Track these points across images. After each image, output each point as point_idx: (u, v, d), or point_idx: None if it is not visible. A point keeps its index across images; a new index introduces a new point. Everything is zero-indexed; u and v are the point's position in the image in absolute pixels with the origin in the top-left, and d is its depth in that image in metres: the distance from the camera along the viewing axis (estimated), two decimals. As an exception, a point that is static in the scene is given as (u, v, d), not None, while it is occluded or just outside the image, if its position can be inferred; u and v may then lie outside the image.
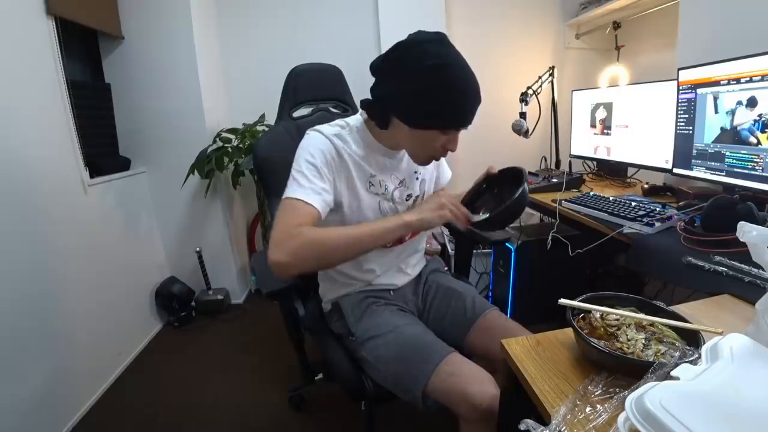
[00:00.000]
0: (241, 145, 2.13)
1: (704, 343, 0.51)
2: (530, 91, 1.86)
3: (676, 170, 1.41)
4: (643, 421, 0.38)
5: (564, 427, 0.47)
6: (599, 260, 2.04)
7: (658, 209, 1.21)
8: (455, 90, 0.81)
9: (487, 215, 0.90)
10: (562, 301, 0.64)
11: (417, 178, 1.03)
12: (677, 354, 0.53)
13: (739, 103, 1.14)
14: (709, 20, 1.46)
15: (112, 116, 2.07)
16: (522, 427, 0.47)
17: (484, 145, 2.24)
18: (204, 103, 2.10)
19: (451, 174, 1.19)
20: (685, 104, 1.33)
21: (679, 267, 0.91)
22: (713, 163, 1.25)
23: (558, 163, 2.08)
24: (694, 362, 0.48)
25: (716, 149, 1.24)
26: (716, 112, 1.22)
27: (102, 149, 1.99)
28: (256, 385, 1.68)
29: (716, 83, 1.21)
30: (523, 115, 1.82)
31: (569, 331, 0.64)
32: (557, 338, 0.67)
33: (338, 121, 0.95)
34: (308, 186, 0.82)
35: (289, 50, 2.29)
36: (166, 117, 2.09)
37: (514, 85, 2.04)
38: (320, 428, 1.46)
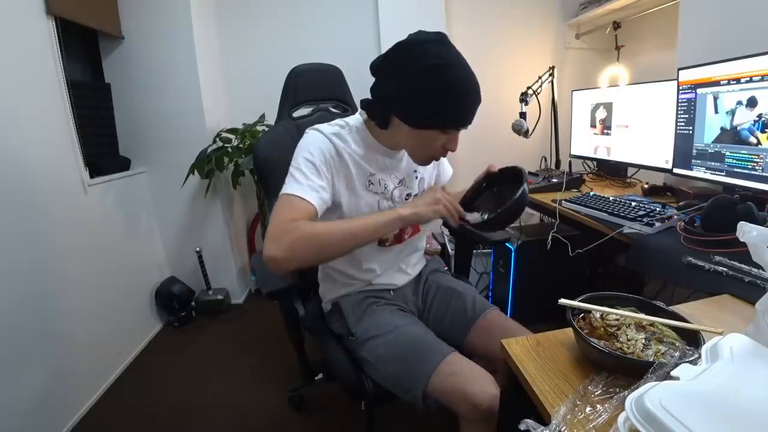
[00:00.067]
0: (241, 145, 2.13)
1: (704, 343, 0.51)
2: (530, 91, 1.86)
3: (676, 170, 1.41)
4: (643, 421, 0.38)
5: (564, 427, 0.47)
6: (599, 260, 2.04)
7: (658, 209, 1.21)
8: (455, 90, 0.81)
9: (486, 216, 0.91)
10: (562, 301, 0.64)
11: (416, 177, 1.03)
12: (677, 354, 0.53)
13: (739, 103, 1.14)
14: (709, 20, 1.46)
15: (112, 116, 2.07)
16: (522, 427, 0.47)
17: (484, 145, 2.24)
18: (204, 103, 2.10)
19: (452, 172, 1.19)
20: (685, 104, 1.33)
21: (679, 267, 0.91)
22: (713, 163, 1.25)
23: (558, 163, 2.08)
24: (694, 362, 0.48)
25: (716, 149, 1.24)
26: (716, 112, 1.22)
27: (102, 149, 1.99)
28: (256, 385, 1.68)
29: (716, 83, 1.21)
30: (523, 115, 1.82)
31: (569, 331, 0.64)
32: (557, 338, 0.67)
33: (338, 121, 0.95)
34: (306, 183, 0.82)
35: (289, 50, 2.29)
36: (166, 117, 2.09)
37: (514, 85, 2.04)
38: (320, 428, 1.46)
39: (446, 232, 2.20)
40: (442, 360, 0.84)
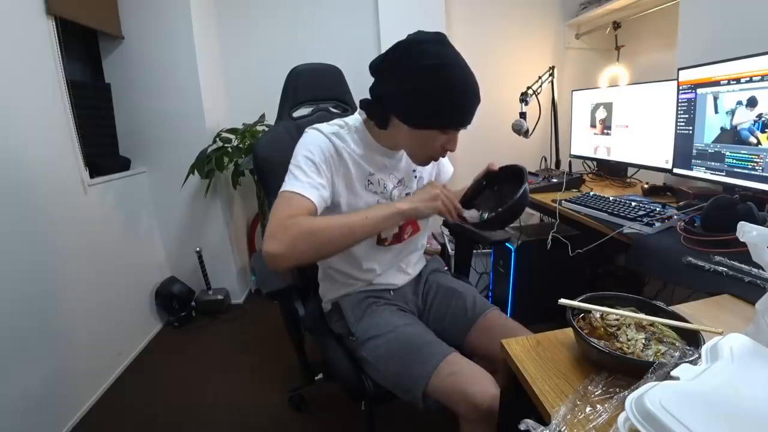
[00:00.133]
0: (241, 145, 2.13)
1: (704, 343, 0.51)
2: (530, 91, 1.86)
3: (676, 170, 1.41)
4: (643, 421, 0.38)
5: (564, 427, 0.47)
6: (599, 260, 2.04)
7: (658, 209, 1.21)
8: (454, 90, 0.81)
9: (486, 215, 0.90)
10: (562, 301, 0.64)
11: (415, 177, 1.03)
12: (677, 354, 0.53)
13: (739, 103, 1.14)
14: (709, 20, 1.46)
15: (112, 116, 2.07)
16: (522, 427, 0.47)
17: (484, 145, 2.24)
18: (204, 103, 2.10)
19: (452, 170, 1.19)
20: (685, 104, 1.33)
21: (679, 267, 0.91)
22: (713, 163, 1.25)
23: (558, 163, 2.08)
24: (694, 362, 0.48)
25: (716, 149, 1.24)
26: (716, 112, 1.22)
27: (102, 149, 1.99)
28: (256, 385, 1.68)
29: (716, 83, 1.21)
30: (523, 115, 1.82)
31: (569, 331, 0.64)
32: (557, 338, 0.67)
33: (337, 121, 0.95)
34: (305, 180, 0.82)
35: (289, 50, 2.29)
36: (166, 117, 2.09)
37: (514, 85, 2.04)
38: (320, 428, 1.46)
39: (446, 232, 2.21)
40: (442, 360, 0.84)
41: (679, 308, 0.69)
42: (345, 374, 0.96)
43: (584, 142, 2.00)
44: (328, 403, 1.55)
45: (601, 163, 1.98)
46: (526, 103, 1.84)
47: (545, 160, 2.14)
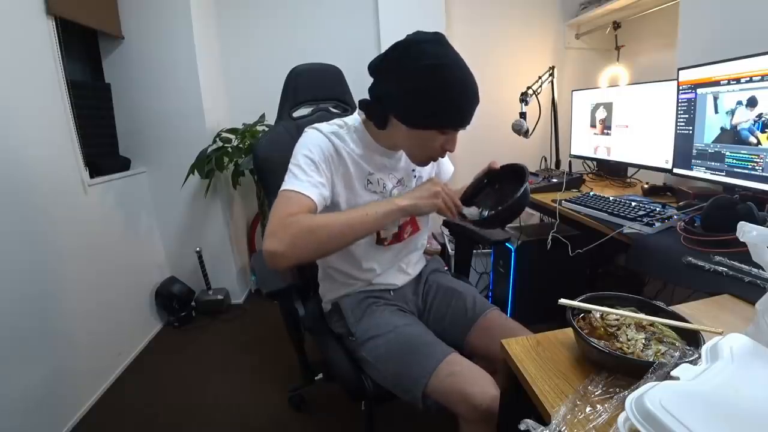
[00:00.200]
0: (241, 145, 2.13)
1: (704, 343, 0.51)
2: (530, 91, 1.86)
3: (676, 170, 1.41)
4: (643, 421, 0.38)
5: (564, 427, 0.47)
6: (599, 260, 2.04)
7: (658, 209, 1.21)
8: (453, 90, 0.80)
9: (486, 213, 0.90)
10: (562, 301, 0.64)
11: (415, 177, 1.03)
12: (677, 354, 0.53)
13: (739, 103, 1.14)
14: (709, 20, 1.46)
15: (112, 116, 2.07)
16: (522, 427, 0.47)
17: (484, 145, 2.24)
18: (204, 103, 2.10)
19: (453, 169, 1.19)
20: (685, 104, 1.33)
21: (679, 267, 0.91)
22: (713, 163, 1.25)
23: (558, 163, 2.08)
24: (694, 362, 0.48)
25: (716, 149, 1.24)
26: (716, 112, 1.22)
27: (102, 149, 1.99)
28: (256, 385, 1.68)
29: (716, 83, 1.21)
30: (523, 115, 1.82)
31: (569, 331, 0.64)
32: (557, 338, 0.67)
33: (336, 121, 0.95)
34: (305, 179, 0.82)
35: (289, 50, 2.29)
36: (166, 117, 2.09)
37: (514, 85, 2.04)
38: (320, 428, 1.46)
39: (446, 232, 2.21)
40: (441, 360, 0.84)
41: (679, 308, 0.69)
42: (345, 374, 0.96)
43: (584, 142, 2.00)
44: (328, 403, 1.55)
45: (601, 163, 1.98)
46: (526, 103, 1.84)
47: (545, 160, 2.14)
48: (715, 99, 1.22)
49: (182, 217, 2.24)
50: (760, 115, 1.09)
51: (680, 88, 1.35)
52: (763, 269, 0.57)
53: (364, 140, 0.93)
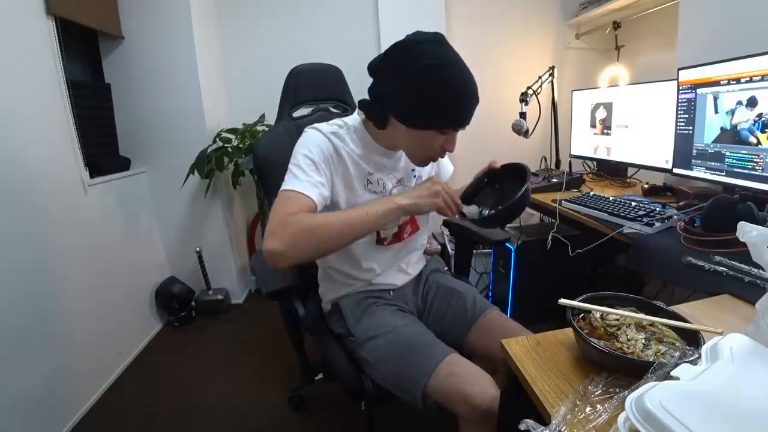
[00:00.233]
0: (241, 145, 2.13)
1: (704, 343, 0.51)
2: (530, 91, 1.86)
3: (676, 170, 1.41)
4: (643, 421, 0.38)
5: (564, 427, 0.47)
6: (599, 260, 2.04)
7: (658, 209, 1.21)
8: (453, 90, 0.80)
9: (487, 212, 0.90)
10: (562, 301, 0.64)
11: (414, 177, 1.03)
12: (677, 354, 0.53)
13: (739, 103, 1.14)
14: (709, 20, 1.46)
15: (112, 116, 2.07)
16: (522, 427, 0.47)
17: (484, 145, 2.24)
18: (204, 103, 2.10)
19: (453, 169, 1.19)
20: (685, 104, 1.33)
21: (679, 267, 0.91)
22: (713, 163, 1.25)
23: (558, 163, 2.08)
24: (694, 362, 0.48)
25: (716, 149, 1.24)
26: (716, 112, 1.22)
27: (102, 149, 1.99)
28: (256, 385, 1.68)
29: (716, 83, 1.21)
30: (523, 115, 1.82)
31: (569, 331, 0.64)
32: (557, 338, 0.67)
33: (336, 121, 0.95)
34: (305, 179, 0.82)
35: (289, 50, 2.29)
36: (166, 117, 2.09)
37: (514, 85, 2.04)
38: (320, 428, 1.46)
39: (446, 232, 2.20)
40: (441, 360, 0.84)
41: (679, 308, 0.68)
42: (345, 374, 0.96)
43: (584, 142, 2.00)
44: (328, 403, 1.55)
45: (601, 163, 1.98)
46: (526, 103, 1.84)
47: (545, 160, 2.14)
48: (715, 99, 1.22)
49: (182, 217, 2.24)
50: (760, 115, 1.09)
51: (680, 88, 1.35)
52: (763, 269, 0.57)
53: (364, 140, 0.93)
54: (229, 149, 2.10)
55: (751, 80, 1.11)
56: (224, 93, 2.41)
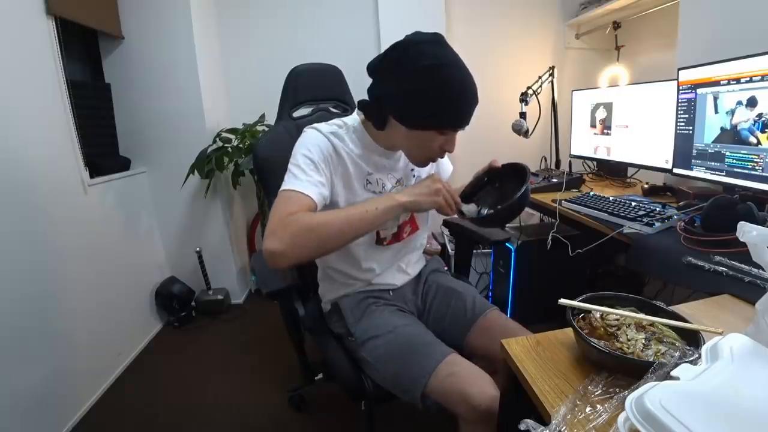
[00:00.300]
0: (241, 145, 2.13)
1: (704, 343, 0.51)
2: (530, 91, 1.86)
3: (676, 170, 1.41)
4: (643, 421, 0.38)
5: (564, 427, 0.47)
6: (599, 260, 2.04)
7: (658, 209, 1.21)
8: (452, 90, 0.80)
9: (485, 211, 0.90)
10: (562, 301, 0.64)
11: (414, 176, 1.03)
12: (677, 354, 0.53)
13: (739, 103, 1.14)
14: (709, 20, 1.46)
15: (112, 116, 2.07)
16: (522, 427, 0.47)
17: (484, 145, 2.24)
18: (204, 103, 2.10)
19: (452, 168, 1.19)
20: (685, 104, 1.33)
21: (679, 267, 0.91)
22: (713, 163, 1.25)
23: (558, 163, 2.08)
24: (694, 362, 0.48)
25: (716, 149, 1.24)
26: (716, 112, 1.22)
27: (102, 149, 1.99)
28: (256, 385, 1.68)
29: (716, 83, 1.21)
30: (523, 115, 1.82)
31: (569, 331, 0.64)
32: (557, 338, 0.67)
33: (335, 121, 0.95)
34: (305, 178, 0.82)
35: (289, 50, 2.29)
36: (166, 117, 2.09)
37: (514, 85, 2.04)
38: (320, 428, 1.46)
39: (446, 232, 2.20)
40: (441, 361, 0.84)
41: (679, 308, 0.68)
42: (345, 374, 0.96)
43: (584, 142, 2.00)
44: (328, 403, 1.55)
45: (601, 163, 1.98)
46: (526, 103, 1.84)
47: (545, 160, 2.14)
48: (715, 99, 1.22)
49: (182, 217, 2.24)
50: (760, 115, 1.09)
51: (680, 88, 1.35)
52: (763, 269, 0.57)
53: (363, 140, 0.93)
54: (229, 149, 2.10)
55: (751, 80, 1.11)
56: (224, 93, 2.41)
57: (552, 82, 1.95)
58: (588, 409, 0.50)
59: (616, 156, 1.81)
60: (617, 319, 0.61)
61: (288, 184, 0.82)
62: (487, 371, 0.83)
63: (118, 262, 1.86)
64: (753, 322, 0.56)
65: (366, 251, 1.00)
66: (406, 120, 0.84)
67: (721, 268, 0.84)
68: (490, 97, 2.20)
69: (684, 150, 1.35)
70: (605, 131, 1.86)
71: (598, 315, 0.62)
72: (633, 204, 1.26)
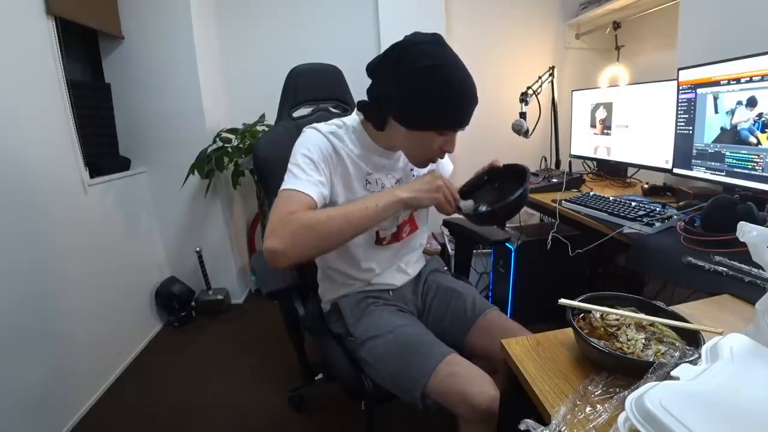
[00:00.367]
0: (241, 145, 2.13)
1: (704, 343, 0.51)
2: (530, 91, 1.86)
3: (676, 170, 1.41)
4: (643, 421, 0.38)
5: (564, 427, 0.47)
6: (599, 260, 2.04)
7: (658, 209, 1.21)
8: (451, 90, 0.80)
9: (483, 208, 0.90)
10: (562, 301, 0.63)
11: (413, 176, 1.02)
12: (677, 354, 0.53)
13: (739, 103, 1.14)
14: (709, 20, 1.46)
15: (112, 116, 2.07)
16: (522, 427, 0.47)
17: (484, 145, 2.24)
18: (204, 103, 2.10)
19: (452, 168, 1.19)
20: (685, 104, 1.33)
21: (679, 267, 0.91)
22: (713, 163, 1.25)
23: (558, 163, 2.08)
24: (694, 362, 0.48)
25: (716, 149, 1.24)
26: (716, 112, 1.22)
27: (102, 149, 1.99)
28: (256, 385, 1.68)
29: (716, 83, 1.21)
30: (523, 115, 1.82)
31: (569, 331, 0.64)
32: (557, 338, 0.67)
33: (335, 121, 0.95)
34: (304, 178, 0.82)
35: (289, 50, 2.29)
36: (166, 117, 2.09)
37: (514, 85, 2.04)
38: (320, 428, 1.46)
39: (446, 232, 2.20)
40: (441, 361, 0.84)
41: (679, 308, 0.68)
42: (345, 374, 0.96)
43: (584, 142, 2.00)
44: (328, 403, 1.55)
45: (601, 163, 1.98)
46: (526, 103, 1.84)
47: (545, 160, 2.14)
48: (715, 99, 1.22)
49: (182, 217, 2.24)
50: (760, 115, 1.09)
51: (680, 88, 1.35)
52: (763, 269, 0.57)
53: (363, 141, 0.93)
54: (229, 149, 2.10)
55: (751, 80, 1.11)
56: (224, 93, 2.41)
57: (552, 82, 1.95)
58: (588, 409, 0.50)
59: (616, 156, 1.81)
60: (617, 319, 0.61)
61: (288, 183, 0.82)
62: (487, 371, 0.83)
63: (118, 262, 1.86)
64: (753, 322, 0.56)
65: (365, 251, 1.00)
66: (405, 120, 0.84)
67: (721, 268, 0.84)
68: (490, 97, 2.21)
69: (684, 150, 1.35)
70: (605, 131, 1.86)
71: (598, 315, 0.62)
72: (633, 204, 1.26)
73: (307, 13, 2.35)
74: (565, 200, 1.45)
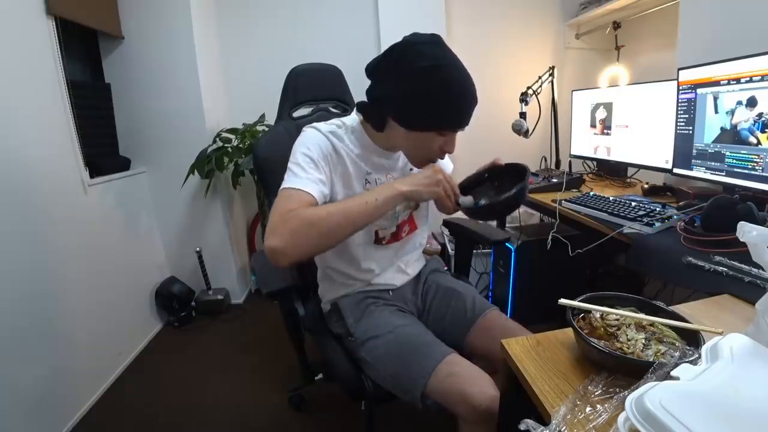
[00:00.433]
0: (241, 145, 2.13)
1: (704, 343, 0.51)
2: (530, 91, 1.86)
3: (676, 170, 1.41)
4: (643, 421, 0.38)
5: (564, 427, 0.47)
6: (599, 260, 2.04)
7: (658, 209, 1.21)
8: (451, 91, 0.80)
9: (481, 202, 0.91)
10: (562, 301, 0.63)
11: None
12: (677, 354, 0.53)
13: (739, 103, 1.14)
14: (709, 20, 1.46)
15: (112, 116, 2.07)
16: (522, 427, 0.47)
17: (484, 145, 2.23)
18: (204, 103, 2.10)
19: (452, 167, 1.19)
20: (685, 104, 1.33)
21: (679, 267, 0.91)
22: (713, 163, 1.25)
23: (558, 163, 2.08)
24: (694, 362, 0.48)
25: (716, 149, 1.24)
26: (716, 112, 1.22)
27: (102, 149, 1.99)
28: (256, 385, 1.68)
29: (716, 83, 1.21)
30: (523, 115, 1.82)
31: (569, 331, 0.64)
32: (557, 338, 0.67)
33: (334, 120, 0.95)
34: (305, 176, 0.82)
35: (289, 50, 2.29)
36: (166, 117, 2.09)
37: (514, 85, 2.04)
38: (320, 428, 1.46)
39: (446, 232, 2.20)
40: (441, 360, 0.84)
41: (679, 308, 0.68)
42: (345, 374, 0.96)
43: (584, 142, 2.00)
44: (328, 403, 1.55)
45: (601, 163, 1.98)
46: (526, 103, 1.84)
47: (545, 160, 2.14)
48: (715, 99, 1.22)
49: (182, 217, 2.24)
50: (760, 115, 1.09)
51: (680, 88, 1.35)
52: (763, 269, 0.57)
53: (362, 140, 0.93)
54: (229, 149, 2.10)
55: (751, 80, 1.11)
56: (224, 93, 2.41)
57: (552, 82, 1.95)
58: (588, 409, 0.50)
59: (616, 156, 1.81)
60: (617, 319, 0.61)
61: (288, 182, 0.82)
62: (487, 371, 0.83)
63: (118, 262, 1.86)
64: (753, 322, 0.56)
65: (365, 251, 1.00)
66: (405, 121, 0.84)
67: (721, 268, 0.84)
68: (490, 97, 2.21)
69: (684, 150, 1.35)
70: (605, 131, 1.86)
71: (598, 315, 0.62)
72: (633, 204, 1.26)
73: (307, 13, 2.35)
74: (565, 200, 1.45)
